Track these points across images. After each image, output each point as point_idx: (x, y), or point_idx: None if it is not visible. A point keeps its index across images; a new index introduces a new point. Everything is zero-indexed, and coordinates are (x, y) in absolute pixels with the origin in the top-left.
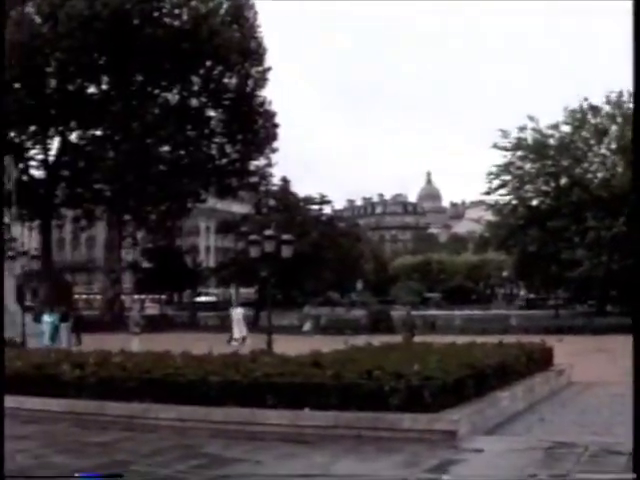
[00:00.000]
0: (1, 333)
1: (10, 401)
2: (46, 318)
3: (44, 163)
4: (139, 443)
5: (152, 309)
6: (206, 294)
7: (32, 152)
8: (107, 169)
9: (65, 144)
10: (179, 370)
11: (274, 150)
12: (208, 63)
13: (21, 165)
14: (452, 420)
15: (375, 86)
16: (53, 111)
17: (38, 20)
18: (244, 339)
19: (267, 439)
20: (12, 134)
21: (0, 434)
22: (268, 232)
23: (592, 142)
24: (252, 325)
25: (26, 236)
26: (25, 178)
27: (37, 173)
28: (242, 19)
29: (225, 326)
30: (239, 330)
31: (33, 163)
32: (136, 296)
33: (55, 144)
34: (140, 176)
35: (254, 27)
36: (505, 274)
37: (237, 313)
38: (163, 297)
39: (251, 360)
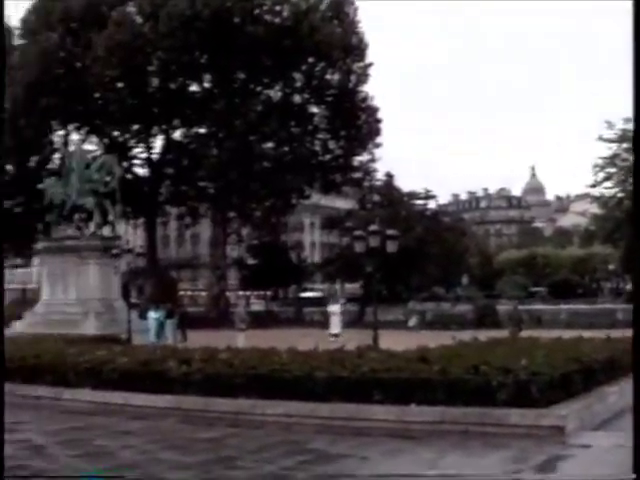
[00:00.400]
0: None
1: (117, 397)
2: (152, 315)
3: (148, 161)
4: (245, 439)
5: (257, 305)
6: (311, 290)
7: (136, 150)
8: (211, 167)
9: (168, 142)
10: (285, 366)
11: (377, 145)
12: (310, 59)
13: (125, 164)
14: (560, 416)
15: (479, 81)
16: (156, 110)
17: (139, 20)
18: (337, 335)
19: (373, 435)
20: (116, 133)
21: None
22: (373, 227)
23: None
24: (357, 321)
25: (131, 234)
26: (129, 176)
27: (141, 171)
28: (342, 15)
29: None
30: (335, 326)
31: (137, 161)
32: (241, 292)
33: (158, 142)
34: (244, 173)
35: (354, 23)
36: (611, 268)
37: (334, 309)
38: (268, 293)
39: (357, 356)
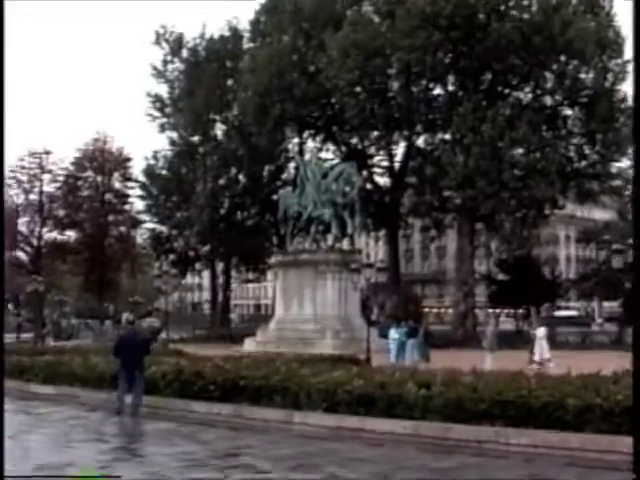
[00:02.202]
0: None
1: (351, 421)
2: (393, 334)
3: (389, 170)
4: (486, 470)
5: (507, 324)
6: (566, 308)
7: (376, 158)
8: (456, 175)
9: (411, 149)
10: (533, 392)
11: None
12: (562, 57)
13: (365, 172)
14: None
15: None
16: (397, 115)
17: (376, 19)
18: (547, 360)
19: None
20: (354, 140)
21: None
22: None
23: None
24: (616, 342)
25: (371, 247)
26: (369, 186)
27: (382, 180)
28: (597, 8)
29: (587, 343)
30: (540, 351)
31: (377, 170)
32: (490, 310)
33: (400, 149)
34: (492, 181)
35: (610, 16)
36: None
37: (539, 333)
38: (519, 311)
39: (613, 381)
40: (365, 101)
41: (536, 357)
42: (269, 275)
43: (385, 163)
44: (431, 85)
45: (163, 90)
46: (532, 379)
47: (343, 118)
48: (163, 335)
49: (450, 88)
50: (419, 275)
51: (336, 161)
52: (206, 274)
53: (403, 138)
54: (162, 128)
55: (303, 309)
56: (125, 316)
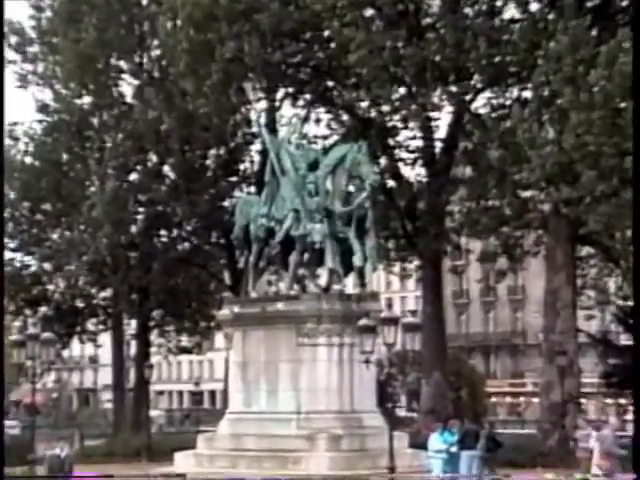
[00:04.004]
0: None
1: None
2: (436, 442)
3: (425, 154)
4: None
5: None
6: None
7: (403, 135)
8: (544, 161)
9: (462, 118)
10: None
11: None
12: None
13: (383, 159)
14: None
15: None
16: (437, 57)
17: None
18: None
19: None
20: (364, 103)
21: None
22: None
23: None
24: None
25: (396, 289)
26: (391, 183)
27: (412, 173)
28: None
29: None
30: None
31: (405, 155)
32: (607, 400)
33: (444, 118)
34: (607, 172)
35: None
36: None
37: None
38: None
39: None
40: (382, 34)
41: None
42: (218, 340)
43: (417, 143)
44: (499, 3)
45: (24, 16)
46: None
47: (343, 65)
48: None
49: (534, 6)
50: (479, 338)
51: (333, 140)
52: (106, 340)
53: (449, 98)
54: (23, 81)
55: (277, 400)
56: None
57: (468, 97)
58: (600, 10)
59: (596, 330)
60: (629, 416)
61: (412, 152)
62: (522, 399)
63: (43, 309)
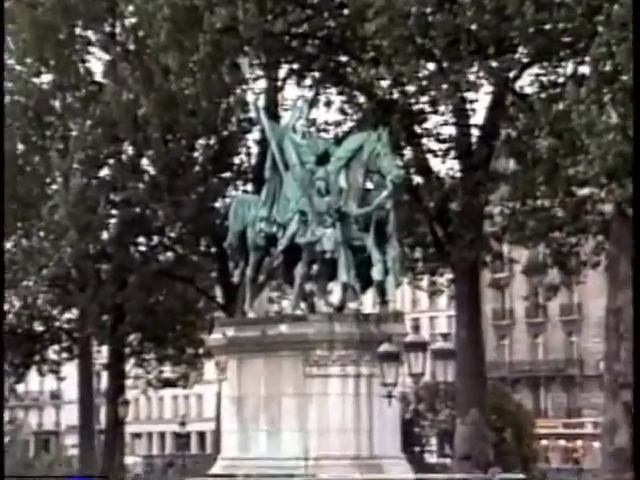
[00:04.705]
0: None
1: None
2: None
3: (459, 144)
4: None
5: None
6: None
7: (433, 120)
8: (606, 150)
9: (504, 97)
10: None
11: None
12: None
13: (408, 149)
14: None
15: None
16: (472, 25)
17: None
18: None
19: None
20: (384, 82)
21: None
22: None
23: None
24: None
25: (424, 308)
26: (418, 179)
27: (444, 167)
28: None
29: None
30: None
31: (435, 146)
32: None
33: (481, 100)
34: None
35: None
36: None
37: None
38: None
39: None
40: None
41: None
42: (208, 370)
43: (450, 130)
44: None
45: None
46: None
47: (359, 35)
48: None
49: None
50: (525, 367)
51: (347, 127)
52: (72, 371)
53: (488, 75)
54: None
55: (280, 443)
56: None
57: (512, 74)
58: None
59: None
60: None
61: (443, 141)
62: (579, 443)
63: None
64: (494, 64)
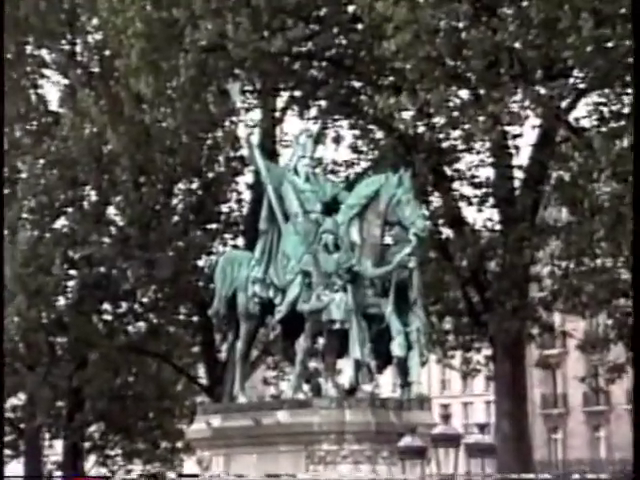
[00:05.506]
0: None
1: None
2: None
3: (497, 190)
4: None
5: None
6: None
7: (466, 160)
8: None
9: (554, 130)
10: None
11: None
12: None
13: (436, 196)
14: None
15: None
16: (514, 42)
17: None
18: None
19: None
20: (406, 113)
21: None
22: None
23: None
24: None
25: (456, 391)
26: (447, 231)
27: (480, 217)
28: None
29: None
30: None
31: (469, 191)
32: None
33: (526, 135)
34: None
35: None
36: None
37: None
38: None
39: None
40: (433, 10)
41: None
42: (188, 468)
43: (487, 172)
44: None
45: None
46: None
47: (376, 56)
48: None
49: None
50: (583, 467)
51: (361, 168)
52: (17, 470)
53: (535, 104)
54: None
55: None
56: None
57: (564, 103)
58: None
59: None
60: None
61: (479, 186)
62: None
63: None
64: (542, 91)
